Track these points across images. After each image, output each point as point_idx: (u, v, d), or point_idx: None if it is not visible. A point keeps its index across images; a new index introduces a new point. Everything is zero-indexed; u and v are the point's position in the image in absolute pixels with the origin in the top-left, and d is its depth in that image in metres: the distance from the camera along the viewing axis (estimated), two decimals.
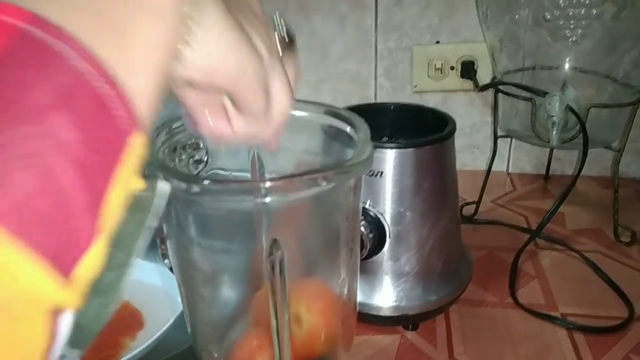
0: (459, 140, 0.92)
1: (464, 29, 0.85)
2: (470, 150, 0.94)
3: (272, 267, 0.34)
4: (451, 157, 0.55)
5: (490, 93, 0.85)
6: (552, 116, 0.61)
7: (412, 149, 0.50)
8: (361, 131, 0.38)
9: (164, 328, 0.68)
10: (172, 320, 0.67)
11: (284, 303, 0.35)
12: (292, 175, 0.32)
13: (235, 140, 0.32)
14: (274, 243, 0.33)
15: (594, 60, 0.67)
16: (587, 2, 0.61)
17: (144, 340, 0.67)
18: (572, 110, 0.61)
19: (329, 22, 0.87)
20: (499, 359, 0.52)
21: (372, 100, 0.92)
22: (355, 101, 0.70)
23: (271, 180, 0.31)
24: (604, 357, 0.52)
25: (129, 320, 0.77)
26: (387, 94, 0.91)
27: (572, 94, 0.60)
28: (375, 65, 0.89)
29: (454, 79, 0.87)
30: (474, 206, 0.79)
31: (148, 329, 0.74)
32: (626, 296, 0.60)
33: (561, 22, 0.64)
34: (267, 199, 0.32)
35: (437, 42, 0.86)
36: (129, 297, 0.80)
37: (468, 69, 0.85)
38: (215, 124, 0.31)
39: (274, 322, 0.36)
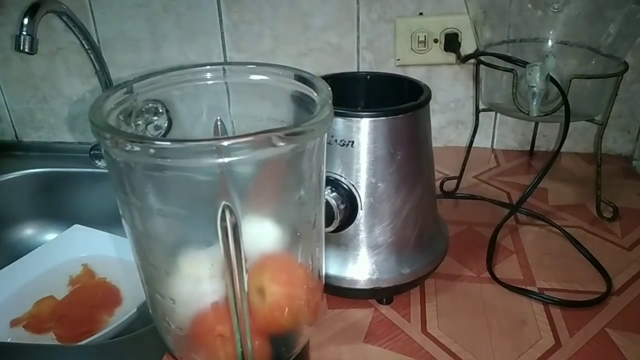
0: (443, 116, 0.90)
1: (448, 0, 0.82)
2: (455, 126, 0.92)
3: (226, 235, 0.32)
4: (426, 127, 0.53)
5: (474, 67, 0.83)
6: (533, 86, 0.59)
7: (384, 118, 0.49)
8: (322, 92, 0.36)
9: (139, 304, 0.67)
10: None
11: (240, 271, 0.34)
12: (248, 134, 0.30)
13: None
14: (226, 208, 0.32)
15: (577, 31, 0.65)
16: None
17: (121, 316, 0.66)
18: (552, 80, 0.59)
19: None
20: (471, 334, 0.51)
21: None
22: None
23: (225, 138, 0.30)
24: (579, 331, 0.51)
25: (106, 297, 0.76)
26: (370, 67, 0.89)
27: (553, 64, 0.58)
28: (358, 38, 0.87)
29: (437, 52, 0.85)
30: (455, 182, 0.78)
31: (125, 305, 0.74)
32: (606, 271, 0.59)
33: None
34: (223, 159, 0.30)
35: (421, 13, 0.84)
36: (106, 274, 0.79)
37: (452, 42, 0.83)
38: None
39: (230, 292, 0.35)
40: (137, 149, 0.30)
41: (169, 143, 0.30)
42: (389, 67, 0.88)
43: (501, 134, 0.92)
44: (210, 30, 0.90)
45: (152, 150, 0.30)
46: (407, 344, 0.50)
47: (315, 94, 0.38)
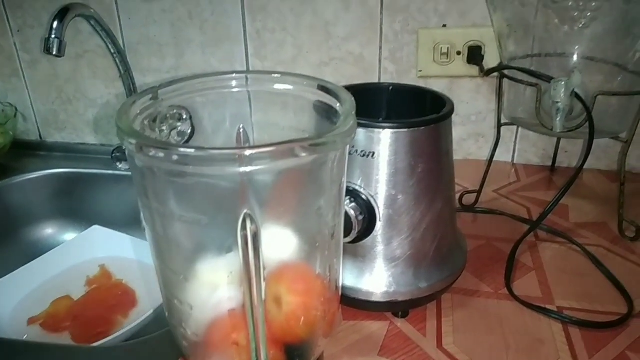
0: (464, 128, 0.90)
1: (472, 12, 0.82)
2: (476, 139, 0.91)
3: (246, 243, 0.32)
4: (447, 141, 0.52)
5: (497, 80, 0.82)
6: (557, 102, 0.59)
7: (406, 130, 0.48)
8: (346, 103, 0.36)
9: (156, 307, 0.67)
10: None
11: (258, 280, 0.34)
12: (271, 144, 0.30)
13: None
14: (247, 217, 0.32)
15: (604, 47, 0.64)
16: None
17: (136, 318, 0.66)
18: (577, 96, 0.58)
19: (332, 1, 0.85)
20: (488, 351, 0.51)
21: None
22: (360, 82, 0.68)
23: (248, 148, 0.30)
24: (599, 353, 0.50)
25: (122, 298, 0.76)
26: (391, 78, 0.89)
27: (579, 80, 0.58)
28: (380, 48, 0.87)
29: (460, 65, 0.84)
30: (475, 195, 0.77)
31: (141, 307, 0.74)
32: (627, 292, 0.58)
33: (570, 4, 0.61)
34: (245, 168, 0.30)
35: (444, 25, 0.83)
36: (123, 275, 0.80)
37: (475, 55, 0.83)
38: None
39: (247, 300, 0.34)
40: (161, 155, 0.30)
41: (192, 150, 0.30)
42: (411, 78, 0.88)
43: (522, 148, 0.91)
44: (234, 37, 0.91)
45: (175, 157, 0.30)
46: (422, 358, 0.50)
47: (338, 105, 0.38)
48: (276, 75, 0.43)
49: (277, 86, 0.43)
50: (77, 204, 0.95)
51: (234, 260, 0.34)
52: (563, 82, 0.58)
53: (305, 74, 0.42)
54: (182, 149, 0.30)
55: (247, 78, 0.43)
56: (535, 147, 0.90)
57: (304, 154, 0.31)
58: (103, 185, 0.94)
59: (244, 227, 0.32)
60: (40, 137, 1.09)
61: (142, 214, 0.36)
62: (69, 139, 1.08)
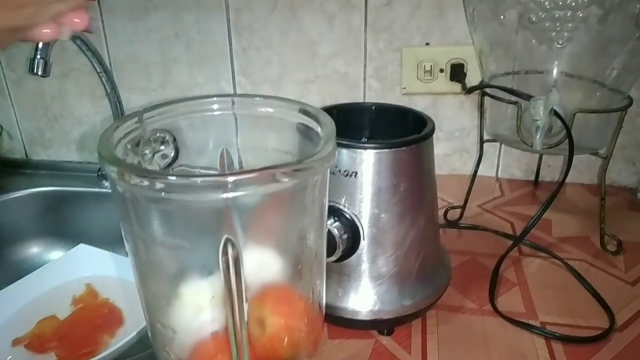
0: (448, 144, 0.91)
1: (455, 31, 0.83)
2: (460, 155, 0.92)
3: (227, 267, 0.33)
4: (429, 159, 0.53)
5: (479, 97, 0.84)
6: (537, 120, 0.60)
7: (387, 150, 0.49)
8: (326, 127, 0.37)
9: (143, 326, 0.67)
10: None
11: (240, 303, 0.34)
12: (253, 170, 0.31)
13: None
14: (228, 242, 0.32)
15: (581, 65, 0.66)
16: (572, 4, 0.59)
17: (123, 337, 0.66)
18: (557, 114, 0.59)
19: (317, 20, 0.86)
20: None
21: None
22: (343, 102, 0.68)
23: (230, 174, 0.30)
24: None
25: (108, 317, 0.76)
26: (376, 95, 0.90)
27: (557, 98, 0.59)
28: (365, 66, 0.88)
29: (443, 82, 0.86)
30: (459, 210, 0.78)
31: (128, 326, 0.74)
32: (608, 306, 0.59)
33: (547, 25, 0.63)
34: (227, 194, 0.31)
35: (427, 43, 0.85)
36: (110, 294, 0.80)
37: (458, 72, 0.84)
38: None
39: (230, 323, 0.35)
40: (145, 183, 0.31)
41: (174, 178, 0.30)
42: (395, 95, 0.89)
43: (506, 163, 0.92)
44: (220, 55, 0.92)
45: (158, 185, 0.30)
46: None
47: (319, 128, 0.39)
48: (259, 99, 0.43)
49: (261, 109, 0.44)
50: (63, 223, 0.94)
51: (216, 282, 0.35)
52: (541, 101, 0.60)
53: (287, 97, 0.43)
54: (163, 177, 0.30)
55: (232, 101, 0.44)
56: (518, 161, 0.91)
57: (285, 179, 0.32)
58: (89, 204, 0.94)
59: (224, 252, 0.32)
60: (26, 155, 1.09)
61: (124, 238, 0.37)
62: (55, 157, 1.07)
